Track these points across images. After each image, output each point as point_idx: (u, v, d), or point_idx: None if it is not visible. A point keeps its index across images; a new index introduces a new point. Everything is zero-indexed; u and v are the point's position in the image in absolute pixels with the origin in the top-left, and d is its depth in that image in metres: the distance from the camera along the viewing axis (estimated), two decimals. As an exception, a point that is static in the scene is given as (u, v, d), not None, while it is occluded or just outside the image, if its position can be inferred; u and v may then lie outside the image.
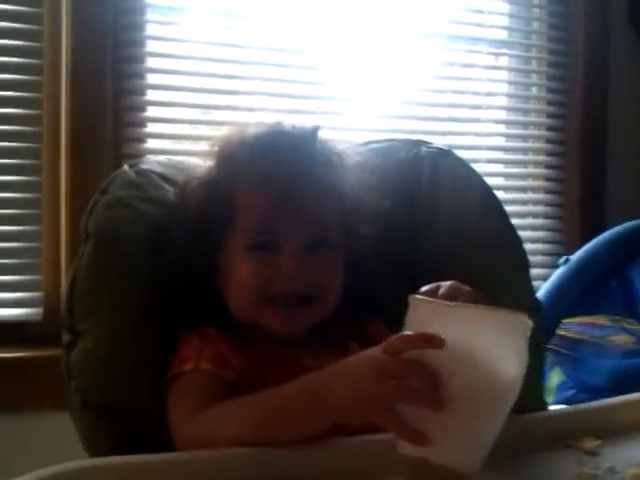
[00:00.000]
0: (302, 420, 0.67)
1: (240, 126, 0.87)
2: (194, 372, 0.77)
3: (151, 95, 1.48)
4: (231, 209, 0.81)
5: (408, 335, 0.62)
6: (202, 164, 0.88)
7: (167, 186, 0.90)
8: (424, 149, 1.04)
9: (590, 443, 0.70)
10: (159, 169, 0.92)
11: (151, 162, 0.94)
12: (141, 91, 1.47)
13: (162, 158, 0.97)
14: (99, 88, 1.40)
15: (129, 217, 0.86)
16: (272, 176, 0.79)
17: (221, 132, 0.89)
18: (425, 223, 0.99)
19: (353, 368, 0.65)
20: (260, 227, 0.80)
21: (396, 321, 0.65)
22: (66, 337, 0.84)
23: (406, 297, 0.65)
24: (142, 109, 1.47)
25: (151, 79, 1.48)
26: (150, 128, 1.48)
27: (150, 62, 1.48)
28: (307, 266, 0.79)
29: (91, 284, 0.83)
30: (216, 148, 0.86)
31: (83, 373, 0.81)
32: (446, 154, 1.03)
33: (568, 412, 0.80)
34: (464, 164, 1.02)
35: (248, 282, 0.79)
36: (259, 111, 1.49)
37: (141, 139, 1.47)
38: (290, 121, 0.87)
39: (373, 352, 0.64)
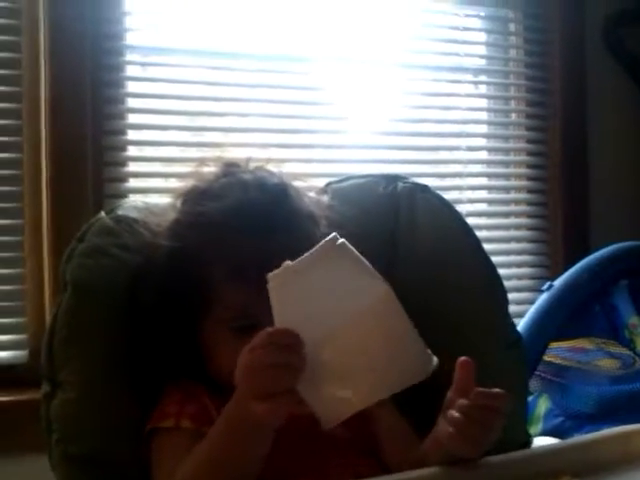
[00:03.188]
0: (237, 441, 0.68)
1: (202, 179, 0.87)
2: (175, 430, 0.77)
3: (132, 135, 1.49)
4: (208, 291, 0.80)
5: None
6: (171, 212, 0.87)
7: (144, 232, 0.89)
8: (400, 184, 1.04)
9: (568, 482, 0.70)
10: (136, 214, 0.92)
11: (128, 207, 0.94)
12: (122, 131, 1.48)
13: (139, 203, 0.96)
14: (79, 129, 1.41)
15: (106, 265, 0.86)
16: (251, 264, 0.75)
17: (183, 183, 0.88)
18: (404, 259, 0.99)
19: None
20: (242, 313, 0.78)
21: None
22: (45, 388, 0.83)
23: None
24: (123, 149, 1.48)
25: (132, 119, 1.49)
26: (131, 167, 1.49)
27: (130, 102, 1.49)
28: None
29: (69, 334, 0.83)
30: (180, 206, 0.85)
31: (63, 425, 0.81)
32: (422, 189, 1.04)
33: (546, 450, 0.79)
34: (440, 198, 1.03)
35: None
36: (241, 147, 1.50)
37: (123, 179, 1.47)
38: (256, 175, 0.85)
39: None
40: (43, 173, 1.40)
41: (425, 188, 1.04)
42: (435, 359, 0.69)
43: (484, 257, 0.98)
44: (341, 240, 0.70)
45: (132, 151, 1.49)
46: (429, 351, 0.69)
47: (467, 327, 0.94)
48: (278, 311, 0.67)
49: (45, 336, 0.85)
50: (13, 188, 1.40)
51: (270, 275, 0.67)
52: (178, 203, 0.86)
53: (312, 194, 0.96)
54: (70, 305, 0.84)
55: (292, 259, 0.77)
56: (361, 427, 0.82)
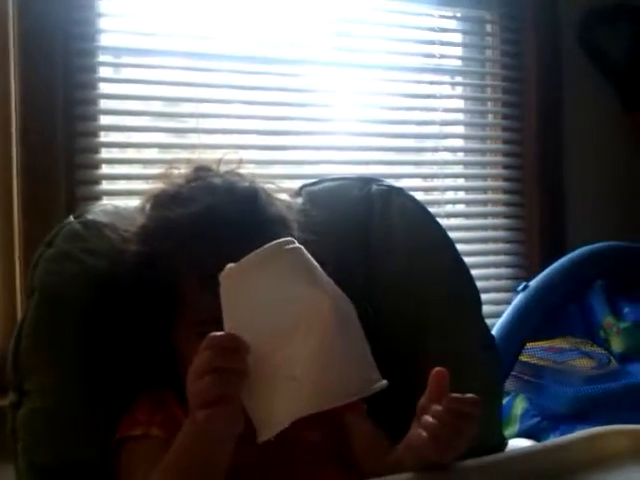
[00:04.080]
0: (195, 450, 0.66)
1: (171, 183, 0.86)
2: (144, 438, 0.76)
3: (104, 137, 1.47)
4: (176, 297, 0.79)
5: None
6: (140, 217, 0.85)
7: (113, 237, 0.88)
8: (375, 187, 1.04)
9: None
10: (105, 219, 0.90)
11: (97, 212, 0.92)
12: (94, 133, 1.46)
13: (109, 207, 0.95)
14: (51, 131, 1.39)
15: (73, 270, 0.84)
16: (217, 272, 0.70)
17: (153, 186, 0.87)
18: (378, 263, 0.99)
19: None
20: (209, 319, 0.75)
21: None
22: (12, 397, 0.81)
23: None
24: (95, 151, 1.46)
25: (104, 121, 1.47)
26: (104, 169, 1.47)
27: (103, 104, 1.47)
28: None
29: (35, 340, 0.81)
30: (149, 211, 0.84)
31: (29, 434, 0.79)
32: (396, 192, 1.03)
33: (519, 454, 0.79)
34: (414, 200, 1.03)
35: None
36: (215, 149, 1.49)
37: (95, 181, 1.45)
38: (226, 179, 0.84)
39: None
40: (14, 176, 1.38)
41: (399, 190, 1.04)
42: (384, 382, 0.66)
43: (458, 260, 0.98)
44: (292, 245, 0.68)
45: (105, 153, 1.47)
46: (376, 372, 0.67)
47: (441, 329, 0.94)
48: (227, 313, 0.65)
49: (11, 344, 0.83)
50: (-17, 192, 1.38)
51: (221, 275, 0.66)
52: (147, 207, 0.85)
53: (285, 197, 0.95)
54: (36, 311, 0.82)
55: None
56: (333, 432, 0.81)
